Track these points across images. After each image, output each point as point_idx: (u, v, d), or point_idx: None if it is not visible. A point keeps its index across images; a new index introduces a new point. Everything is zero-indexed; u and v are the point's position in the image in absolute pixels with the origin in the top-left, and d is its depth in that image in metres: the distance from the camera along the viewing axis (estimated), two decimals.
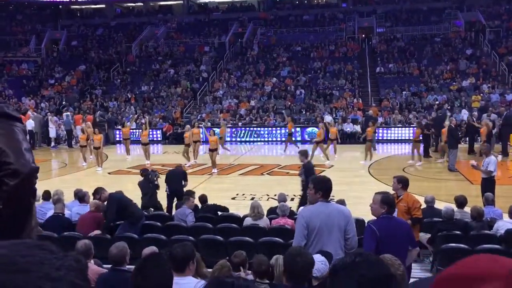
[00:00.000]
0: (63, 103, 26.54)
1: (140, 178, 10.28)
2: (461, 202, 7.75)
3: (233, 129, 22.39)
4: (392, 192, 5.54)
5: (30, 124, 20.69)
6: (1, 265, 0.52)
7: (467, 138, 18.01)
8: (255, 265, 3.79)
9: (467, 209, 7.66)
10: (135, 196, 10.07)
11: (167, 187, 10.03)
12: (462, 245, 5.91)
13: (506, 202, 8.35)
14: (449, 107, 21.82)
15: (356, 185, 12.91)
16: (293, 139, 19.02)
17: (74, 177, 14.94)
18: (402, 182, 5.94)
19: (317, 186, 4.25)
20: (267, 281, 3.73)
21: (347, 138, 20.60)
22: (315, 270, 3.18)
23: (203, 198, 8.92)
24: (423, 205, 8.08)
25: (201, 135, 17.74)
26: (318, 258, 3.36)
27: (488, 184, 9.54)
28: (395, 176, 6.18)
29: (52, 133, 21.57)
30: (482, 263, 0.75)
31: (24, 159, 1.41)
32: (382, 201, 4.35)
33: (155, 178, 10.27)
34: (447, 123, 15.52)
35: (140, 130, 17.97)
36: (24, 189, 1.37)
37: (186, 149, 16.46)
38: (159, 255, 2.65)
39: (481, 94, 23.05)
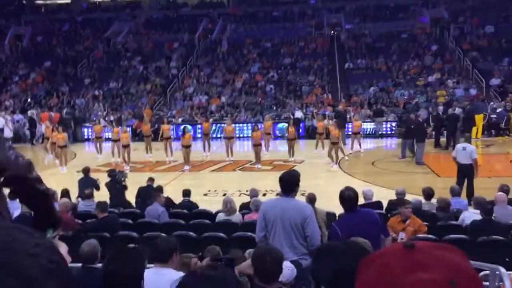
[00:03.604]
0: (28, 100, 25.86)
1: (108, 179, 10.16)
2: (428, 193, 7.96)
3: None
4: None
5: (0, 122, 20.11)
6: None
7: (433, 132, 18.46)
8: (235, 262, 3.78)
9: (434, 200, 7.88)
10: (104, 195, 9.94)
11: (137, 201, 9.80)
12: (430, 236, 6.07)
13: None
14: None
15: (328, 180, 13.08)
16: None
17: (41, 176, 14.59)
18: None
19: (279, 181, 4.37)
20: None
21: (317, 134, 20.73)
22: (282, 276, 3.21)
23: (185, 192, 8.95)
24: (394, 197, 8.29)
25: (172, 132, 17.61)
26: (286, 264, 3.41)
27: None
28: (410, 202, 6.65)
29: (7, 133, 20.83)
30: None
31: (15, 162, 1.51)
32: (339, 197, 4.45)
33: (122, 179, 10.15)
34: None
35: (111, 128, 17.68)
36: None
37: (148, 141, 17.30)
38: (134, 247, 2.66)
39: (446, 89, 23.64)
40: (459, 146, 10.94)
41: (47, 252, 0.56)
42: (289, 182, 4.35)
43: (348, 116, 19.97)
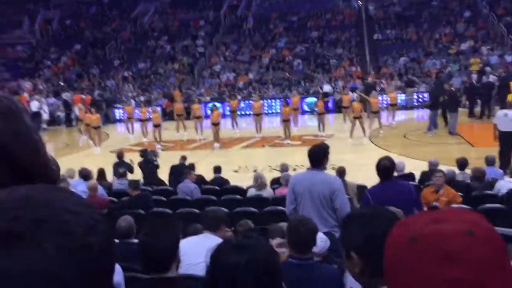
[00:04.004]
0: (60, 83, 26.41)
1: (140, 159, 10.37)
2: (462, 163, 7.81)
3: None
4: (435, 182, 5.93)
5: (35, 105, 20.65)
6: (19, 202, 0.56)
7: (467, 102, 17.99)
8: (270, 235, 3.82)
9: (468, 171, 7.73)
10: (137, 175, 10.16)
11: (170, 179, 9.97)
12: (464, 206, 5.98)
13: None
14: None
15: (359, 153, 12.99)
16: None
17: (76, 157, 15.00)
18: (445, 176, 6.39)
19: (307, 154, 4.40)
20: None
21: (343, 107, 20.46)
22: (315, 247, 3.23)
23: (216, 168, 9.11)
24: (425, 168, 8.18)
25: (202, 111, 17.71)
26: (319, 235, 3.43)
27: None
28: (441, 171, 6.54)
29: (45, 116, 21.45)
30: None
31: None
32: (376, 166, 4.43)
33: (154, 158, 10.32)
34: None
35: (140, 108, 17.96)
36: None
37: (180, 119, 17.34)
38: (169, 219, 2.77)
39: (480, 57, 22.88)
40: (500, 112, 10.53)
41: (87, 210, 0.59)
42: (318, 155, 4.36)
43: (378, 89, 19.66)
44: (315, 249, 3.24)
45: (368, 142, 14.55)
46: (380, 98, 18.49)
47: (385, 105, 18.39)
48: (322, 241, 3.45)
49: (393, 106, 17.25)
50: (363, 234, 1.37)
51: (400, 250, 0.74)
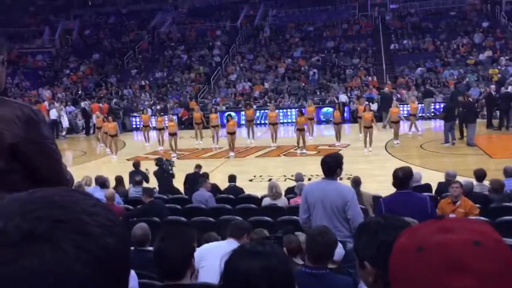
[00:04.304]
0: (79, 92, 26.81)
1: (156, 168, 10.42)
2: (480, 175, 7.70)
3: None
4: (453, 192, 5.93)
5: (53, 114, 20.95)
6: (40, 203, 0.58)
7: (485, 112, 17.77)
8: (285, 244, 3.81)
9: (487, 182, 7.61)
10: (153, 184, 10.22)
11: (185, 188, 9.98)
12: (482, 218, 5.89)
13: None
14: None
15: (374, 163, 12.90)
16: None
17: (93, 165, 15.17)
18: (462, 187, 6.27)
19: (321, 164, 4.42)
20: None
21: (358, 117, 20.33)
22: None
23: (231, 177, 9.13)
24: (442, 179, 8.08)
25: (218, 120, 17.79)
26: None
27: None
28: (458, 181, 6.36)
29: (65, 124, 21.77)
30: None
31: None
32: (392, 174, 4.42)
33: (169, 168, 10.36)
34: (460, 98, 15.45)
35: (156, 117, 18.12)
36: None
37: (199, 128, 17.50)
38: (183, 227, 2.79)
39: (499, 67, 22.63)
40: None
41: (104, 211, 0.61)
42: (331, 165, 4.35)
43: (394, 98, 19.55)
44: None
45: (369, 152, 14.43)
46: (400, 108, 18.45)
47: (405, 115, 18.26)
48: (338, 248, 3.42)
49: (414, 116, 17.09)
50: (376, 243, 1.36)
51: (407, 259, 0.74)
